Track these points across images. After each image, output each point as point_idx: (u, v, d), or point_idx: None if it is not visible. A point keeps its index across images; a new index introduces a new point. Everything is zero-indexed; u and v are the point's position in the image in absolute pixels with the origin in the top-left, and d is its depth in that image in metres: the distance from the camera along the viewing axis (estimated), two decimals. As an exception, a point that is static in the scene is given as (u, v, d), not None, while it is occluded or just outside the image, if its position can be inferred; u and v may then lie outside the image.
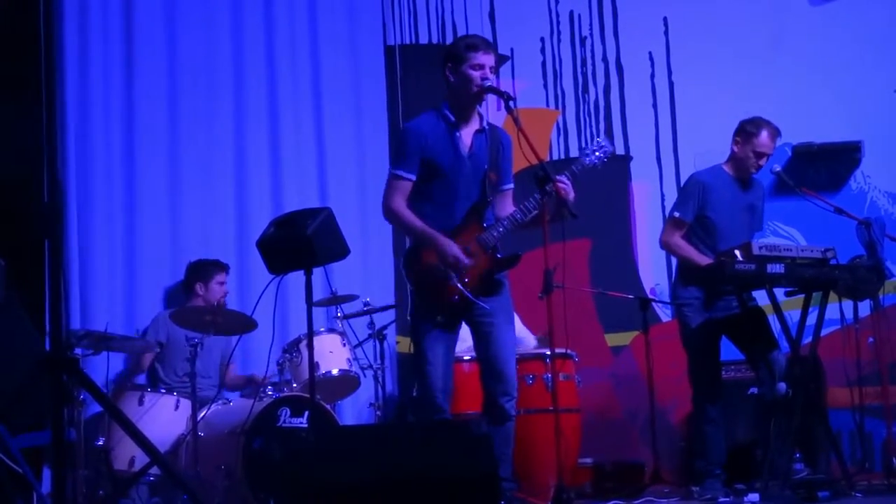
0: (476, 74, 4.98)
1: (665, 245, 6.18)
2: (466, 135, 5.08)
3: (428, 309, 5.00)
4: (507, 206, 5.17)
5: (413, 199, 5.05)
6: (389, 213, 5.10)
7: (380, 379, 7.03)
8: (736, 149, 6.09)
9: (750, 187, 6.16)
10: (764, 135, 6.02)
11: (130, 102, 7.15)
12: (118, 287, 6.93)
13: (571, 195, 4.88)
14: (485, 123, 5.14)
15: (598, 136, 5.43)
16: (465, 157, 5.05)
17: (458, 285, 4.93)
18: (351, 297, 7.00)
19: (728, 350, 6.11)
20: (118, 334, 6.27)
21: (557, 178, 4.87)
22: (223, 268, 6.97)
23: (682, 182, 6.67)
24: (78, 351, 6.01)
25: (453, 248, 4.93)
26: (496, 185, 5.13)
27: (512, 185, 5.25)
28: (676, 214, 6.08)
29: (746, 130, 6.05)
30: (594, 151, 5.14)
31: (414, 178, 5.03)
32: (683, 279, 6.04)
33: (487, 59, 5.03)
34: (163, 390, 6.42)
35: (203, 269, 6.93)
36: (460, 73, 5.01)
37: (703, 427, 5.94)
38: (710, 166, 6.20)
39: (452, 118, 5.06)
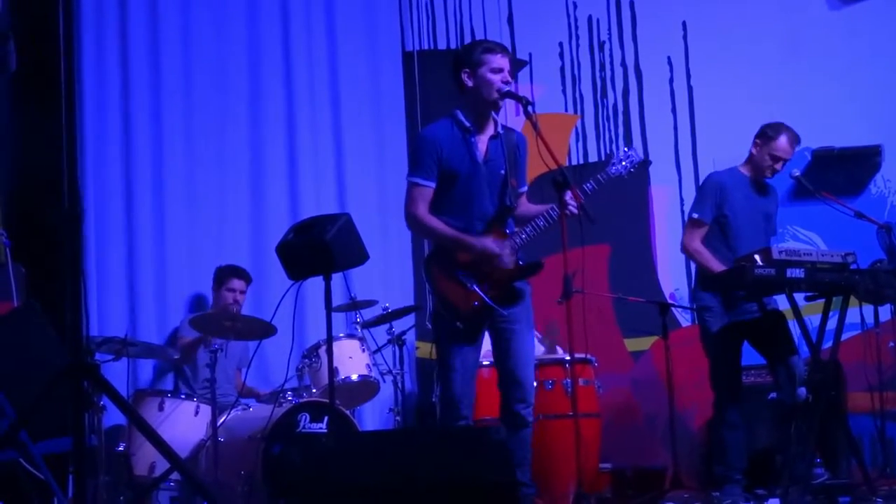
0: (496, 78, 4.91)
1: (685, 249, 6.16)
2: (482, 141, 5.00)
3: (449, 315, 4.96)
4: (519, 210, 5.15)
5: (432, 209, 4.98)
6: (414, 222, 5.01)
7: (399, 384, 7.03)
8: (754, 151, 6.07)
9: (765, 192, 6.14)
10: (783, 139, 6.00)
11: (149, 110, 7.19)
12: (136, 294, 6.96)
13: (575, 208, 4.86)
14: (499, 128, 5.07)
15: (625, 146, 5.36)
16: (482, 163, 4.98)
17: (479, 291, 4.91)
18: (370, 303, 7.01)
19: (748, 355, 6.09)
20: (138, 340, 6.30)
21: (583, 186, 4.88)
22: (239, 274, 6.93)
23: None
24: (98, 357, 6.03)
25: (484, 242, 4.89)
26: (515, 190, 5.09)
27: (525, 189, 5.20)
28: (695, 215, 6.05)
29: (766, 134, 6.04)
30: (621, 161, 5.10)
31: (434, 185, 4.95)
32: (701, 285, 6.03)
33: (505, 63, 4.96)
34: (183, 395, 6.43)
35: (219, 274, 6.95)
36: (479, 77, 4.93)
37: (723, 432, 5.91)
38: (728, 168, 6.19)
39: (468, 124, 4.99)
